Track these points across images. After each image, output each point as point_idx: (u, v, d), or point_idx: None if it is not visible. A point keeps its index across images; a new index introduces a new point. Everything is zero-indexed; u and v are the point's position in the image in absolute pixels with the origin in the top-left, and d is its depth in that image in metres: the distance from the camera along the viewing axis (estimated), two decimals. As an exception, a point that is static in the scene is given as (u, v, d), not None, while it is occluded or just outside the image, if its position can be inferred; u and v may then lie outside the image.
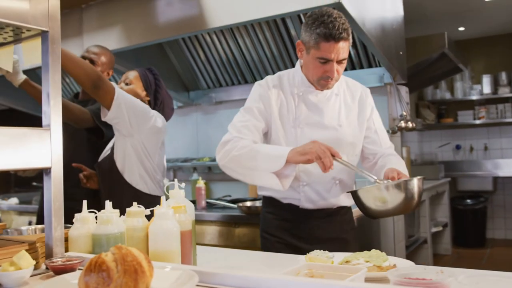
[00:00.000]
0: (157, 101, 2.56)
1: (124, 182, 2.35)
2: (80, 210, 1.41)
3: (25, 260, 1.01)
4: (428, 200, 4.85)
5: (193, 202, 3.66)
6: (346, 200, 2.09)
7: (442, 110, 6.30)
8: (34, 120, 3.05)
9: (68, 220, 1.40)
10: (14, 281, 1.00)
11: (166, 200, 2.32)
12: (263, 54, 3.67)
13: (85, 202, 1.35)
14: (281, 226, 2.06)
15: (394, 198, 1.72)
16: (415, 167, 5.52)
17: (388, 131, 3.48)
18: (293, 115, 2.00)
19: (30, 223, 3.67)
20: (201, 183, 3.57)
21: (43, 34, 1.12)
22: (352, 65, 3.55)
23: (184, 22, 3.23)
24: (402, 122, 3.44)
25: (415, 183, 1.73)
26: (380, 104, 3.54)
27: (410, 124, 3.47)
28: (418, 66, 5.05)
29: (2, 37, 1.20)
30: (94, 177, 2.57)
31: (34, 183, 4.10)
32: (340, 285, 0.86)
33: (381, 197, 1.73)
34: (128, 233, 1.33)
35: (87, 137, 2.73)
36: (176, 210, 1.40)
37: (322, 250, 1.59)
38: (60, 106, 1.14)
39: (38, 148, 1.10)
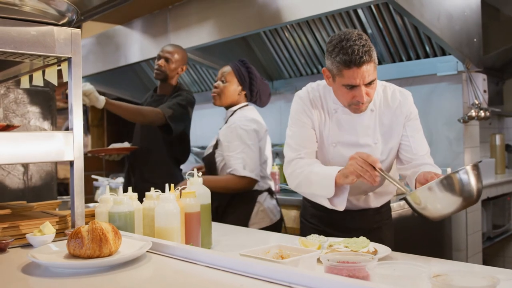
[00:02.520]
0: (252, 92, 2.75)
1: None
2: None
3: (48, 229, 1.40)
4: (523, 190, 4.59)
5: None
6: (379, 202, 2.14)
7: (555, 94, 5.78)
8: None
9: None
10: (39, 243, 1.39)
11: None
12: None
13: (107, 187, 1.71)
14: (317, 215, 2.18)
15: (449, 195, 1.57)
16: (513, 155, 5.20)
17: (459, 120, 3.44)
18: (328, 132, 2.01)
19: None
20: (275, 169, 3.83)
21: (68, 60, 1.48)
22: (426, 53, 3.55)
23: (264, 17, 3.49)
24: (473, 111, 3.37)
25: (470, 171, 1.57)
26: (454, 93, 3.53)
27: (483, 113, 3.39)
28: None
29: (46, 61, 1.59)
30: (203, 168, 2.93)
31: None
32: (249, 263, 1.09)
33: (435, 196, 1.59)
34: (144, 212, 1.67)
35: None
36: (186, 195, 1.71)
37: (317, 235, 1.79)
38: (81, 113, 1.49)
39: (64, 146, 1.46)
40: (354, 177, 1.75)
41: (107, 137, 5.80)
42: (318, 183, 1.89)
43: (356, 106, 1.90)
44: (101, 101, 2.69)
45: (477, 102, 3.39)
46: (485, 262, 3.90)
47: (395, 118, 2.01)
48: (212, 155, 2.70)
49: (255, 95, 2.75)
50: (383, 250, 1.64)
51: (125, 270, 1.16)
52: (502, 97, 5.15)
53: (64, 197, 2.80)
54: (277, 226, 2.68)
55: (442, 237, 3.49)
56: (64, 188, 5.23)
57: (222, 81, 2.72)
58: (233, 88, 2.71)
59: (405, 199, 1.68)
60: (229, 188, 2.55)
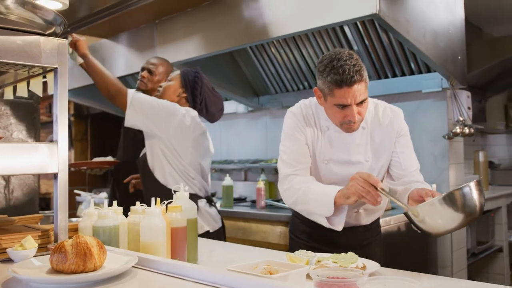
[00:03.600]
0: (195, 98, 2.62)
1: (156, 180, 2.51)
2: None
3: (30, 243, 1.36)
4: (506, 207, 4.63)
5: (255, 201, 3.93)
6: (370, 219, 2.14)
7: (535, 112, 5.90)
8: (121, 121, 3.52)
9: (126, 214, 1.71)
10: (20, 258, 1.34)
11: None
12: (324, 61, 3.83)
13: (92, 201, 1.67)
14: (307, 231, 2.16)
15: (452, 211, 1.55)
16: (497, 171, 5.27)
17: (444, 137, 3.47)
18: (320, 149, 2.01)
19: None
20: (261, 184, 3.81)
21: (54, 70, 1.45)
22: (411, 70, 3.59)
23: (251, 32, 3.49)
24: (457, 127, 3.40)
25: (473, 188, 1.56)
26: (438, 110, 3.57)
27: (467, 130, 3.42)
28: (503, 66, 4.85)
29: (31, 71, 1.56)
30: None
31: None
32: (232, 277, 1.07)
33: (437, 212, 1.56)
34: (129, 227, 1.64)
35: (144, 141, 3.10)
36: (172, 209, 1.68)
37: (305, 250, 1.77)
38: (67, 125, 1.46)
39: (48, 158, 1.43)
40: (356, 197, 1.74)
41: (91, 152, 5.73)
42: (316, 201, 1.88)
43: (348, 126, 1.91)
44: (80, 59, 2.63)
45: (461, 119, 3.43)
46: (470, 279, 3.90)
47: (386, 135, 2.03)
48: (145, 156, 2.60)
49: (199, 103, 2.64)
50: (372, 265, 1.63)
51: (110, 285, 1.13)
52: (485, 114, 5.24)
53: (46, 211, 2.74)
54: (219, 234, 2.63)
55: (428, 254, 3.49)
56: (45, 203, 5.14)
57: (169, 80, 2.67)
58: (174, 88, 2.63)
59: (406, 214, 1.65)
60: (106, 83, 2.46)
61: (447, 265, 3.56)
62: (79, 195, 4.61)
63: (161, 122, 2.46)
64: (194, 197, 2.54)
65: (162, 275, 1.21)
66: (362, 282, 1.15)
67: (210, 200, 2.64)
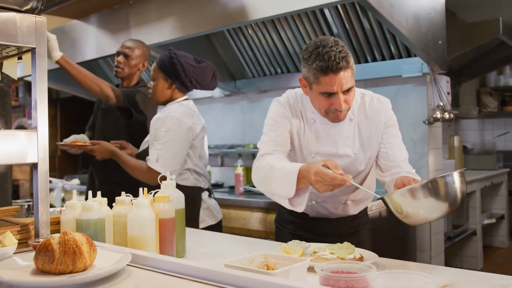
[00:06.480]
0: (184, 83, 2.49)
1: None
2: (120, 194, 1.58)
3: (9, 240, 1.24)
4: (480, 191, 4.70)
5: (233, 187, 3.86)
6: (357, 209, 2.10)
7: (506, 97, 5.99)
8: (92, 105, 3.40)
9: (110, 204, 1.61)
10: (0, 256, 1.23)
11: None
12: (304, 44, 3.75)
13: (75, 192, 1.56)
14: (294, 221, 2.11)
15: (432, 200, 1.47)
16: (470, 156, 5.34)
17: (424, 122, 3.46)
18: (306, 143, 1.96)
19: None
20: (239, 170, 3.74)
21: (32, 50, 1.33)
22: (391, 55, 3.55)
23: (228, 14, 3.38)
24: (438, 113, 3.40)
25: (456, 178, 1.48)
26: (418, 95, 3.55)
27: (447, 115, 3.42)
28: (476, 51, 4.88)
29: (5, 52, 1.43)
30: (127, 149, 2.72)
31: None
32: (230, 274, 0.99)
33: (416, 200, 1.48)
34: (114, 219, 1.54)
35: (127, 126, 2.98)
36: (160, 200, 1.58)
37: (298, 241, 1.72)
38: (46, 111, 1.34)
39: (27, 147, 1.31)
40: (329, 192, 1.65)
41: (60, 137, 5.53)
42: (278, 180, 1.76)
43: (333, 114, 1.83)
44: (57, 54, 2.50)
45: (441, 104, 3.42)
46: (446, 262, 3.95)
47: (374, 126, 1.96)
48: (146, 150, 2.49)
49: (191, 84, 2.50)
50: (370, 256, 1.58)
51: (102, 287, 1.04)
52: (458, 99, 5.28)
53: (18, 201, 2.59)
54: (219, 225, 2.58)
55: (407, 238, 3.50)
56: (13, 189, 4.94)
57: (153, 80, 2.53)
58: (161, 84, 2.49)
59: (382, 199, 1.56)
60: (137, 175, 2.42)
61: (426, 249, 3.59)
62: (50, 181, 4.45)
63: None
64: (198, 190, 2.49)
65: (158, 273, 1.13)
66: (372, 277, 1.09)
67: (209, 191, 2.56)
